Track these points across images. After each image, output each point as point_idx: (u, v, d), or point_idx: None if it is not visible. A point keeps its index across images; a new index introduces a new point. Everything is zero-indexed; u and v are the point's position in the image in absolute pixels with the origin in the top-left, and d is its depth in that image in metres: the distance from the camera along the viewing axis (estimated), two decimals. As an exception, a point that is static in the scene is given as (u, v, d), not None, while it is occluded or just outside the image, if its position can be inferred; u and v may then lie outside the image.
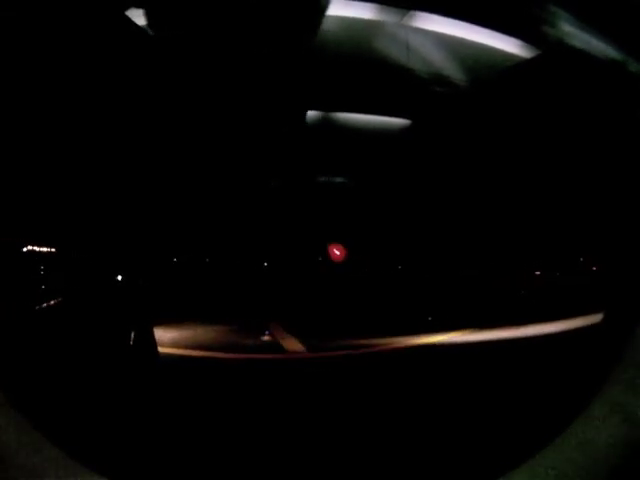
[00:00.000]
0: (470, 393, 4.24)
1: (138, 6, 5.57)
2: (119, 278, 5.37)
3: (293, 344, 6.91)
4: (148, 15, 5.67)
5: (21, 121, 5.42)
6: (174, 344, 6.46)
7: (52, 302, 4.31)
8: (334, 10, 6.31)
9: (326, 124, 7.97)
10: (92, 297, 4.84)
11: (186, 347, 6.36)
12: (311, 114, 7.75)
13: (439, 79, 7.19)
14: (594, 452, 1.68)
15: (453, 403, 3.96)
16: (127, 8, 5.63)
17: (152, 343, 4.50)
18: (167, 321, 7.33)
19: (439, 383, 4.72)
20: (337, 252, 10.27)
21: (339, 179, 9.08)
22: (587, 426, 1.75)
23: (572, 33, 6.31)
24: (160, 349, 4.84)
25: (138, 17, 5.73)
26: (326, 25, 6.39)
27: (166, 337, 6.70)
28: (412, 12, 6.54)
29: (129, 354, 4.12)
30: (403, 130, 7.96)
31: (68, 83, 5.70)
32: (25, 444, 1.73)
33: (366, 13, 6.55)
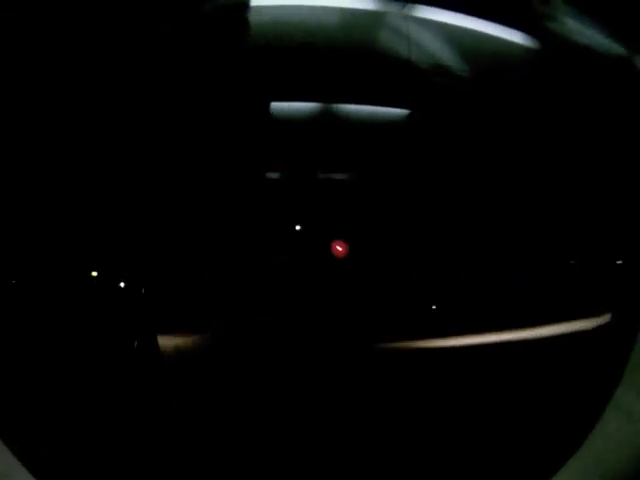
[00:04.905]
0: (475, 405, 4.13)
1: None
2: (122, 285, 5.28)
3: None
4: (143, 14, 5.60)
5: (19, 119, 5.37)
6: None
7: (54, 309, 4.25)
8: (332, 1, 6.26)
9: (327, 116, 7.86)
10: (95, 304, 4.78)
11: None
12: (311, 106, 7.64)
13: (440, 70, 7.07)
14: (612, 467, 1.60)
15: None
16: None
17: (156, 352, 4.43)
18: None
19: (435, 388, 4.64)
20: (339, 248, 10.16)
21: (339, 174, 8.96)
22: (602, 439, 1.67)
23: (574, 26, 6.21)
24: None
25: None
26: (326, 17, 6.34)
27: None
28: (411, 4, 6.51)
29: (132, 363, 4.04)
30: (406, 122, 7.84)
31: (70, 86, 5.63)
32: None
33: (366, 4, 6.52)
